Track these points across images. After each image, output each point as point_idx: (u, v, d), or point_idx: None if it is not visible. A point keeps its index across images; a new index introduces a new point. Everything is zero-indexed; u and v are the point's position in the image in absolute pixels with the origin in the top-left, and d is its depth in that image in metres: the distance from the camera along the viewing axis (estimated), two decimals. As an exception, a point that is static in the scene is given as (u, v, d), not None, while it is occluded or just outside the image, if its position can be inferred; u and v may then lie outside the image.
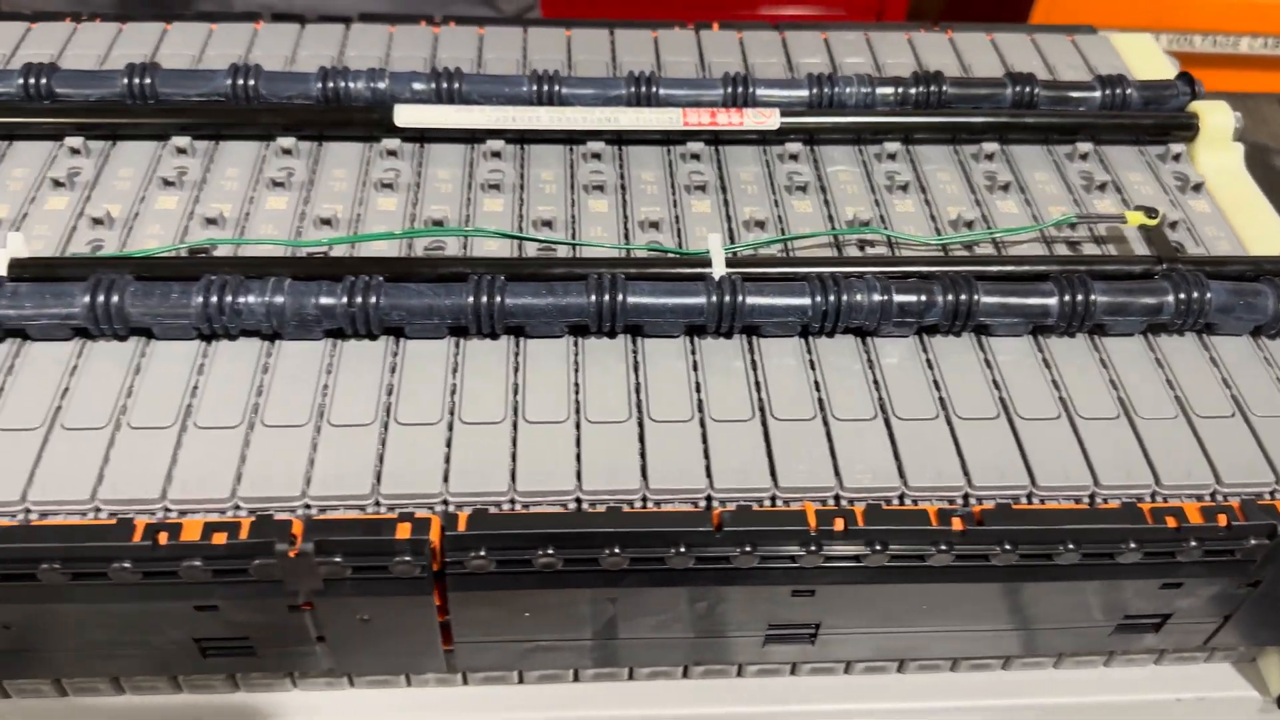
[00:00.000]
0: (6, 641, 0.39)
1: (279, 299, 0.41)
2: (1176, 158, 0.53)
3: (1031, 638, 0.44)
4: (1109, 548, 0.39)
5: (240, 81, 0.50)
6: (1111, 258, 0.47)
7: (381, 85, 0.51)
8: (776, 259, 0.46)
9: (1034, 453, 0.40)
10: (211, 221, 0.46)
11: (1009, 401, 0.42)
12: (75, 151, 0.49)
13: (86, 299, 0.40)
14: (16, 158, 0.49)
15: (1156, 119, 0.54)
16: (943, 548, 0.38)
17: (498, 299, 0.41)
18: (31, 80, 0.50)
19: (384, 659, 0.42)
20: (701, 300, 0.42)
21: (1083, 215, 0.48)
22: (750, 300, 0.42)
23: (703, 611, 0.40)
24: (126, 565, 0.36)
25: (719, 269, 0.43)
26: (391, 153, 0.50)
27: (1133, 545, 0.39)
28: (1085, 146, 0.53)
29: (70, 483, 0.37)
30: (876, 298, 0.42)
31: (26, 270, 0.42)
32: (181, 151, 0.49)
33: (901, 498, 0.39)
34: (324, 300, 0.41)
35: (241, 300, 0.40)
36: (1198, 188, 0.52)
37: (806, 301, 0.42)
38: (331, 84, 0.51)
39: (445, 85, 0.51)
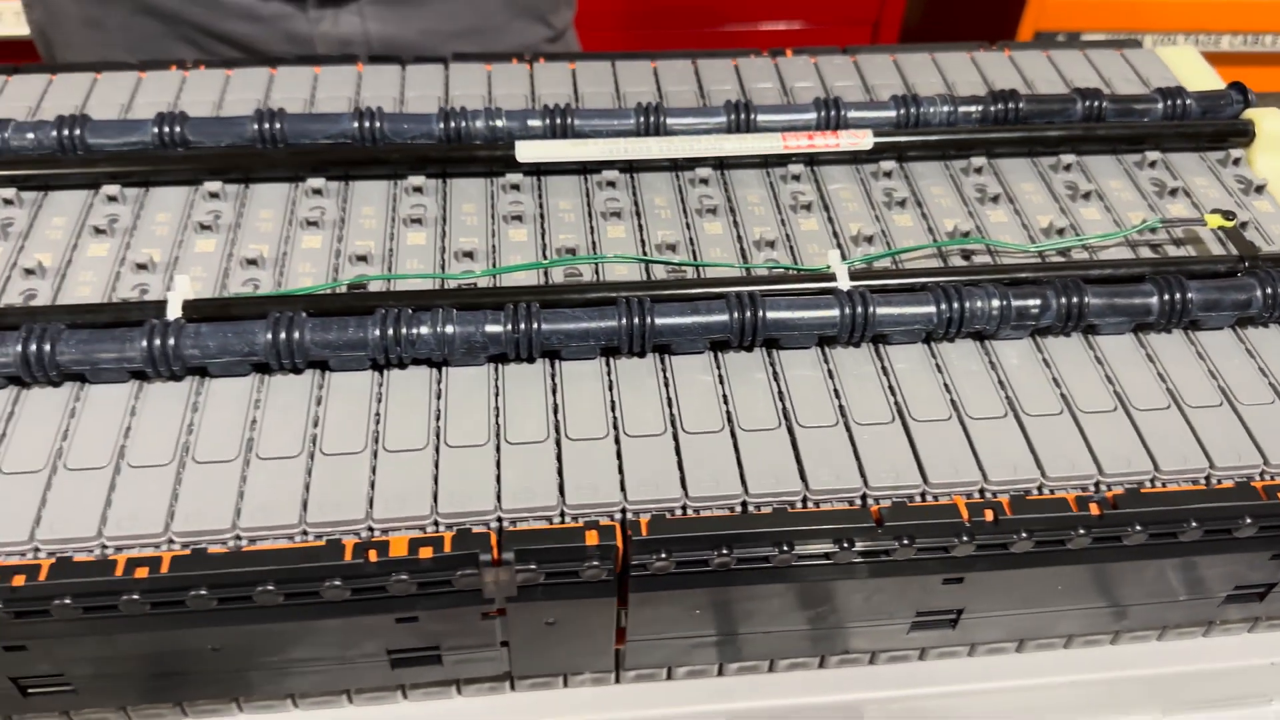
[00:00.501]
0: (204, 663, 0.42)
1: (449, 328, 0.43)
2: (1236, 162, 0.57)
3: (1145, 612, 0.47)
4: (1227, 524, 0.42)
5: (366, 124, 0.53)
6: (1197, 258, 0.50)
7: (499, 123, 0.54)
8: (892, 271, 0.49)
9: (1152, 440, 0.44)
10: (361, 259, 0.48)
11: (1123, 394, 0.45)
12: (214, 195, 0.51)
13: (269, 335, 0.43)
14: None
15: (1216, 127, 0.57)
16: (1081, 531, 0.41)
17: (648, 319, 0.44)
18: (167, 129, 0.52)
19: (559, 660, 0.45)
20: (834, 313, 0.45)
21: (1166, 220, 0.52)
22: (879, 310, 0.45)
23: (856, 603, 0.43)
24: (337, 583, 0.39)
25: (844, 282, 0.47)
26: (515, 186, 0.53)
27: (1248, 520, 0.42)
28: (1153, 155, 0.57)
29: (276, 508, 0.40)
30: (996, 303, 0.46)
31: (198, 310, 0.44)
32: (317, 193, 0.52)
33: (1040, 488, 0.42)
34: (490, 328, 0.44)
35: (415, 331, 0.43)
36: (1260, 189, 0.56)
37: (931, 309, 0.46)
38: (453, 124, 0.54)
39: (558, 121, 0.54)
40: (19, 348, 0.42)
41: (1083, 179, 0.56)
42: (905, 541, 0.41)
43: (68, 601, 0.37)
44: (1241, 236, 0.51)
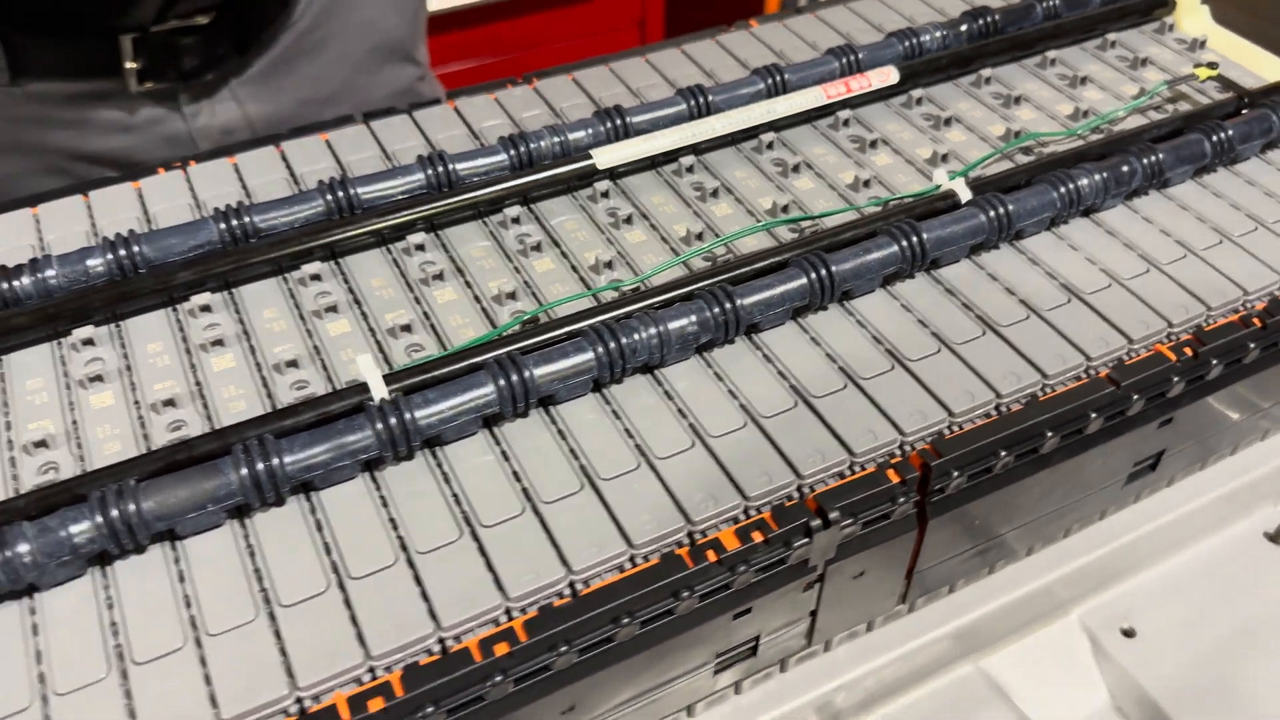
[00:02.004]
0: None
1: (659, 328, 0.42)
2: (1170, 28, 0.65)
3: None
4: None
5: (437, 169, 0.51)
6: (1207, 107, 0.57)
7: (564, 138, 0.53)
8: (1006, 172, 0.52)
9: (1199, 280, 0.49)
10: (511, 296, 0.46)
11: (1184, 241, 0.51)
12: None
13: (490, 387, 0.40)
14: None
15: (1145, 2, 0.65)
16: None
17: (832, 268, 0.45)
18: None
19: (855, 612, 0.45)
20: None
21: (1170, 80, 0.58)
22: (1011, 209, 0.49)
23: (1095, 468, 0.46)
24: (686, 594, 0.37)
25: (963, 193, 0.50)
26: (605, 194, 0.52)
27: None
28: (1112, 36, 0.63)
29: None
30: (1100, 177, 0.50)
31: (397, 381, 0.41)
32: (419, 248, 0.49)
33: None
34: (690, 319, 0.43)
35: (634, 337, 0.42)
36: (1201, 44, 0.63)
37: (1053, 196, 0.49)
38: (519, 149, 0.52)
39: (613, 123, 0.54)
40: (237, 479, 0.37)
41: (1068, 70, 0.61)
42: (1137, 396, 0.44)
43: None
44: (1230, 81, 0.58)
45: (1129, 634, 0.53)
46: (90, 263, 0.46)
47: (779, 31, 0.65)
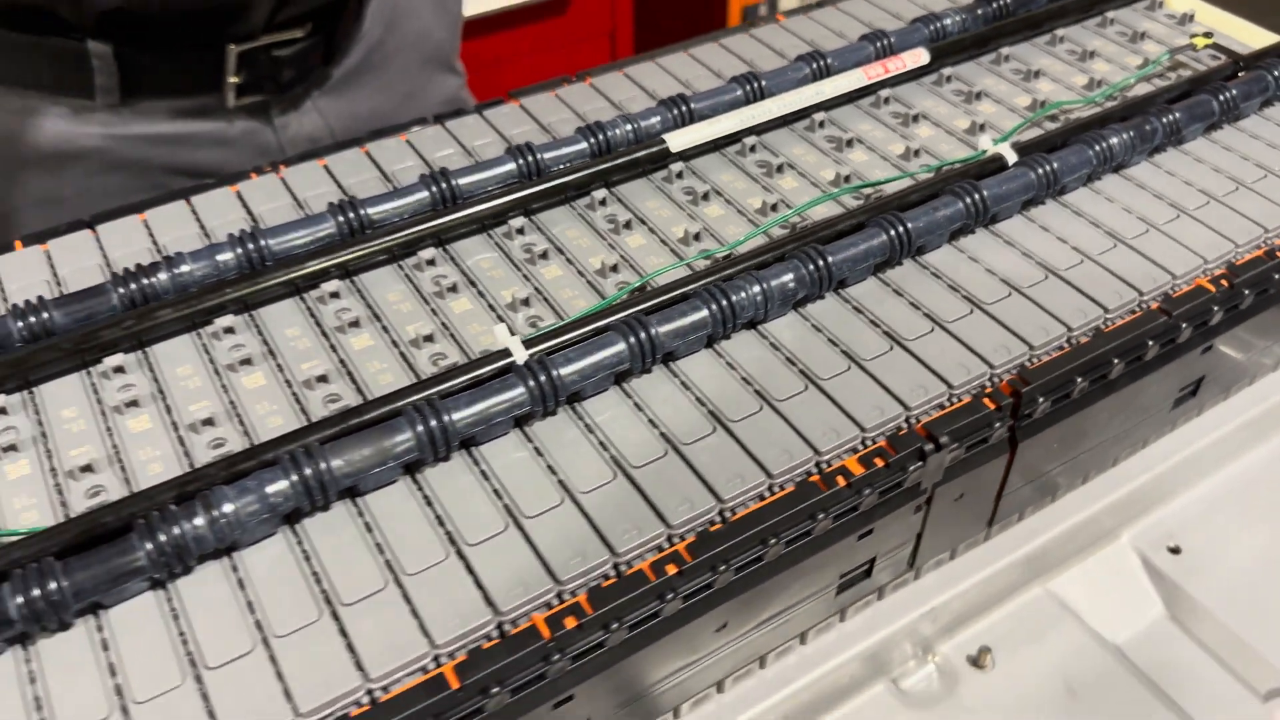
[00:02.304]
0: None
1: (762, 285, 0.47)
2: (1160, 4, 0.71)
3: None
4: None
5: (527, 159, 0.54)
6: (1206, 73, 0.63)
7: (637, 125, 0.57)
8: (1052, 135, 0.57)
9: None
10: (613, 269, 0.50)
11: (1175, 202, 0.57)
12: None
13: (622, 344, 0.44)
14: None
15: (1135, -19, 0.71)
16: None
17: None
18: (348, 214, 0.51)
19: (951, 536, 0.50)
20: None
21: (1172, 49, 0.64)
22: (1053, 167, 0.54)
23: (1155, 392, 0.51)
24: (821, 515, 0.41)
25: (1010, 156, 0.55)
26: (679, 175, 0.56)
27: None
28: (1110, 14, 0.69)
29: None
30: (1129, 135, 0.56)
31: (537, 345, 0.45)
32: (520, 231, 0.53)
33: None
34: (788, 277, 0.48)
35: (741, 295, 0.46)
36: (1190, 18, 0.70)
37: (1091, 155, 0.55)
38: (597, 137, 0.56)
39: (680, 110, 0.58)
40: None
41: (1076, 45, 0.67)
42: (1185, 325, 0.49)
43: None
44: (1225, 48, 0.64)
45: (1175, 551, 0.59)
46: (220, 257, 0.49)
47: (806, 23, 0.70)
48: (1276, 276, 0.52)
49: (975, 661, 0.54)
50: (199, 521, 0.37)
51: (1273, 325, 0.56)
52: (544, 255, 0.52)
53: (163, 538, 0.37)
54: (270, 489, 0.38)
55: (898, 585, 0.51)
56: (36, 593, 0.35)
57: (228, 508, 0.37)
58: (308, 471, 0.38)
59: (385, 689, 0.35)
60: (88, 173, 0.68)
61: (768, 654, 0.47)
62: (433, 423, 0.40)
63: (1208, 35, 0.64)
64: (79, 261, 0.51)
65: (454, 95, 0.82)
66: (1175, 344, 0.50)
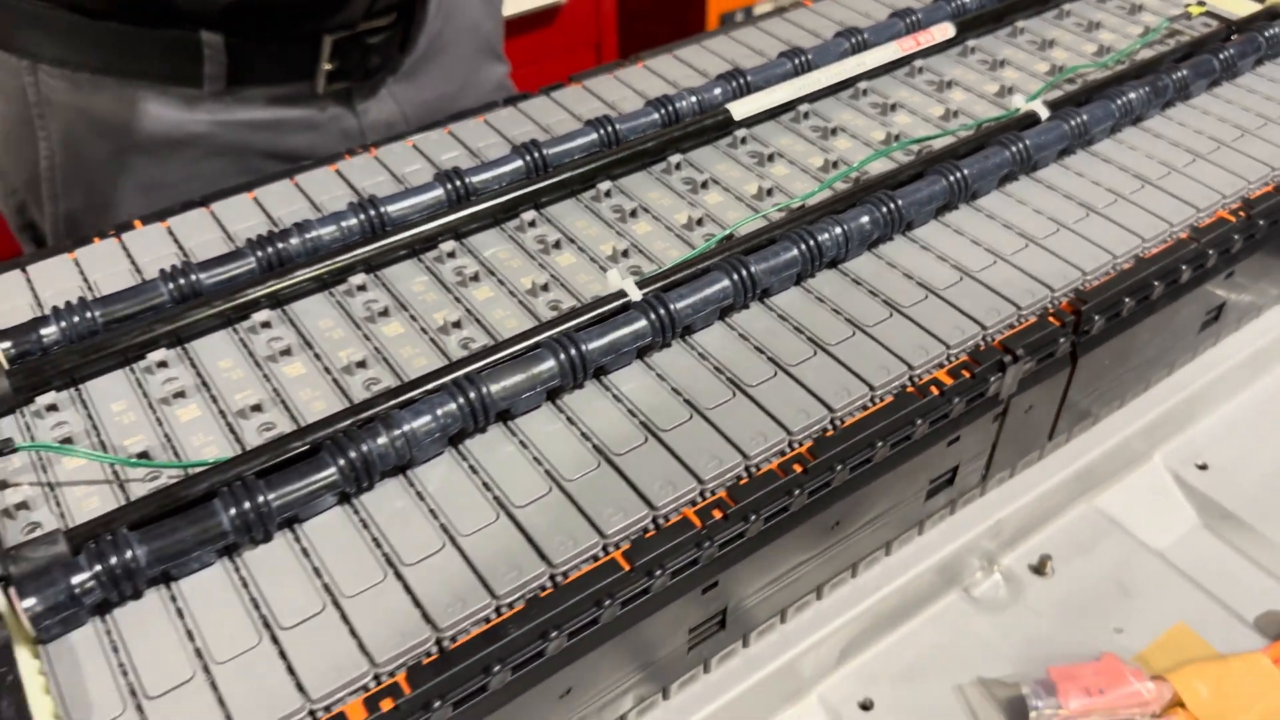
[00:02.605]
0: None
1: (843, 227, 0.52)
2: (1150, -20, 0.78)
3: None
4: None
5: (606, 129, 0.59)
6: (1202, 37, 0.69)
7: (701, 96, 0.62)
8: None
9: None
10: (699, 223, 0.55)
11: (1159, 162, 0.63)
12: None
13: (726, 280, 0.49)
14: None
15: (1127, -42, 0.78)
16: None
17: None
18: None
19: (1020, 448, 0.55)
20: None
21: (1172, 17, 0.71)
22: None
23: (1187, 315, 0.57)
24: (920, 420, 0.47)
25: (1042, 112, 0.61)
26: (743, 140, 0.62)
27: None
28: (1108, -12, 0.76)
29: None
30: (1145, 89, 0.62)
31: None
32: (608, 194, 0.58)
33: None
34: (865, 219, 0.53)
35: (825, 236, 0.51)
36: (1177, -9, 0.76)
37: (1134, 96, 0.61)
38: (668, 108, 0.61)
39: (738, 82, 0.63)
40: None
41: (1081, 19, 0.73)
42: (1211, 251, 0.55)
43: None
44: (1218, 15, 0.71)
45: (1203, 468, 0.65)
46: (345, 223, 0.53)
47: (782, 25, 0.74)
48: (1262, 223, 0.58)
49: (1037, 569, 0.59)
50: (381, 440, 0.41)
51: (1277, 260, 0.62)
52: (633, 214, 0.56)
53: (352, 454, 0.41)
54: (440, 410, 0.42)
55: (968, 500, 0.56)
56: (246, 505, 0.39)
57: (406, 428, 0.42)
58: (472, 395, 0.43)
59: (566, 574, 0.40)
60: (193, 158, 0.73)
61: (859, 563, 0.52)
62: (572, 351, 0.45)
63: (1201, 4, 0.71)
64: (200, 235, 0.55)
65: (502, 81, 0.88)
66: (1204, 269, 0.56)
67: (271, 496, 0.40)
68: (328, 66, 0.71)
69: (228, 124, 0.73)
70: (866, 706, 0.53)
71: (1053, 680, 0.51)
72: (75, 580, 0.37)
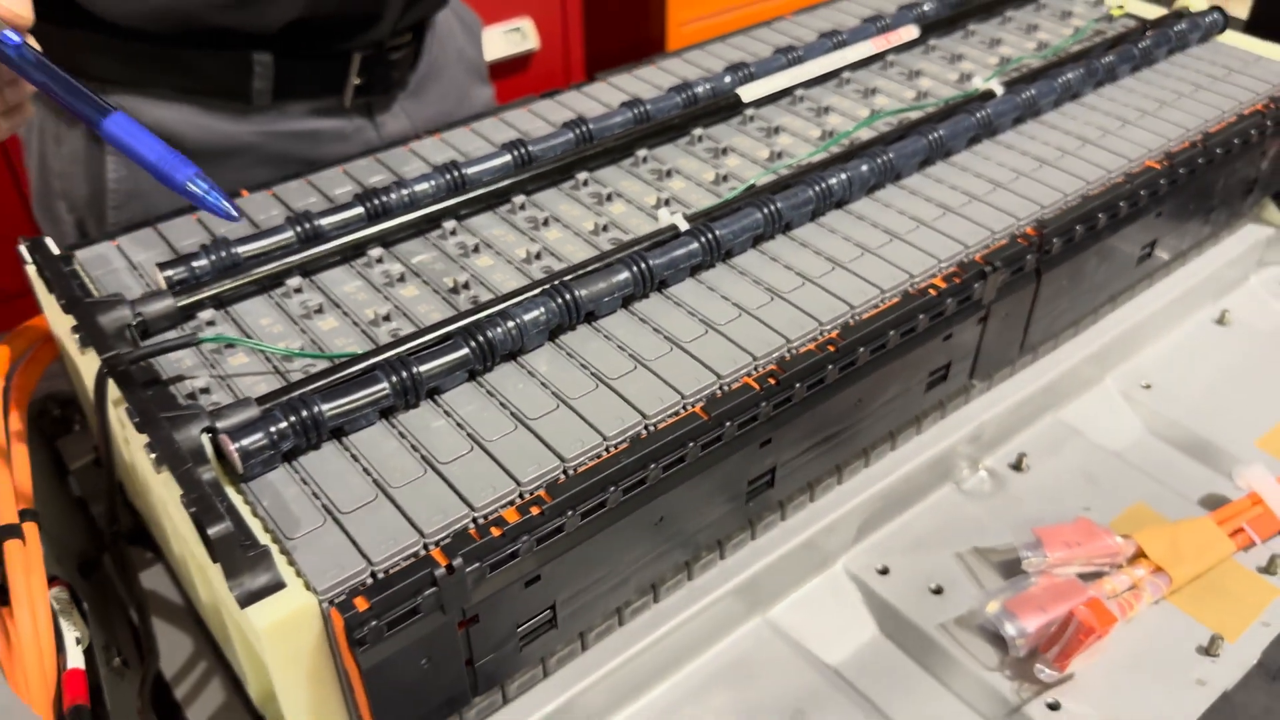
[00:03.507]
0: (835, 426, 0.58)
1: (855, 171, 0.64)
2: (1077, -7, 0.92)
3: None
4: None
5: (638, 110, 0.71)
6: (1128, 31, 0.83)
7: (718, 82, 0.74)
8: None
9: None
10: (724, 179, 0.66)
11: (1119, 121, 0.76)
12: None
13: (759, 214, 0.60)
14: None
15: (1057, -23, 0.92)
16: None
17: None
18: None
19: (997, 357, 0.66)
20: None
21: (1098, 18, 0.84)
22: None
23: (1128, 246, 0.69)
24: (922, 316, 0.58)
25: (999, 90, 0.73)
26: (750, 119, 0.73)
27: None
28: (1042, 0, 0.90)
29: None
30: (1081, 73, 0.75)
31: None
32: (643, 161, 0.69)
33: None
34: (865, 167, 0.64)
35: (834, 180, 0.63)
36: (1099, 1, 0.90)
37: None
38: (685, 93, 0.73)
39: (744, 72, 0.75)
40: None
41: (1022, 22, 0.87)
42: (1144, 191, 0.68)
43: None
44: (1135, 15, 0.85)
45: (1147, 387, 0.76)
46: (428, 184, 0.63)
47: (724, 48, 0.88)
48: (1200, 160, 0.71)
49: (1016, 466, 0.70)
50: (498, 330, 0.51)
51: (1198, 205, 0.75)
52: (668, 174, 0.67)
53: (480, 338, 0.51)
54: (543, 308, 0.53)
55: (956, 407, 0.67)
56: (403, 374, 0.49)
57: (520, 319, 0.52)
58: (567, 297, 0.53)
59: (656, 425, 0.50)
60: (242, 167, 0.82)
61: (870, 451, 0.63)
62: (642, 265, 0.56)
63: (1120, 7, 0.85)
64: (274, 208, 0.65)
65: (489, 100, 1.00)
66: (1137, 206, 0.68)
67: (419, 370, 0.49)
68: (356, 81, 0.81)
69: (272, 134, 0.82)
70: (884, 572, 0.63)
71: (1038, 537, 0.62)
72: (273, 429, 0.46)
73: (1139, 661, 0.58)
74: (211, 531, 0.40)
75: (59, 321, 0.57)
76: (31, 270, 0.60)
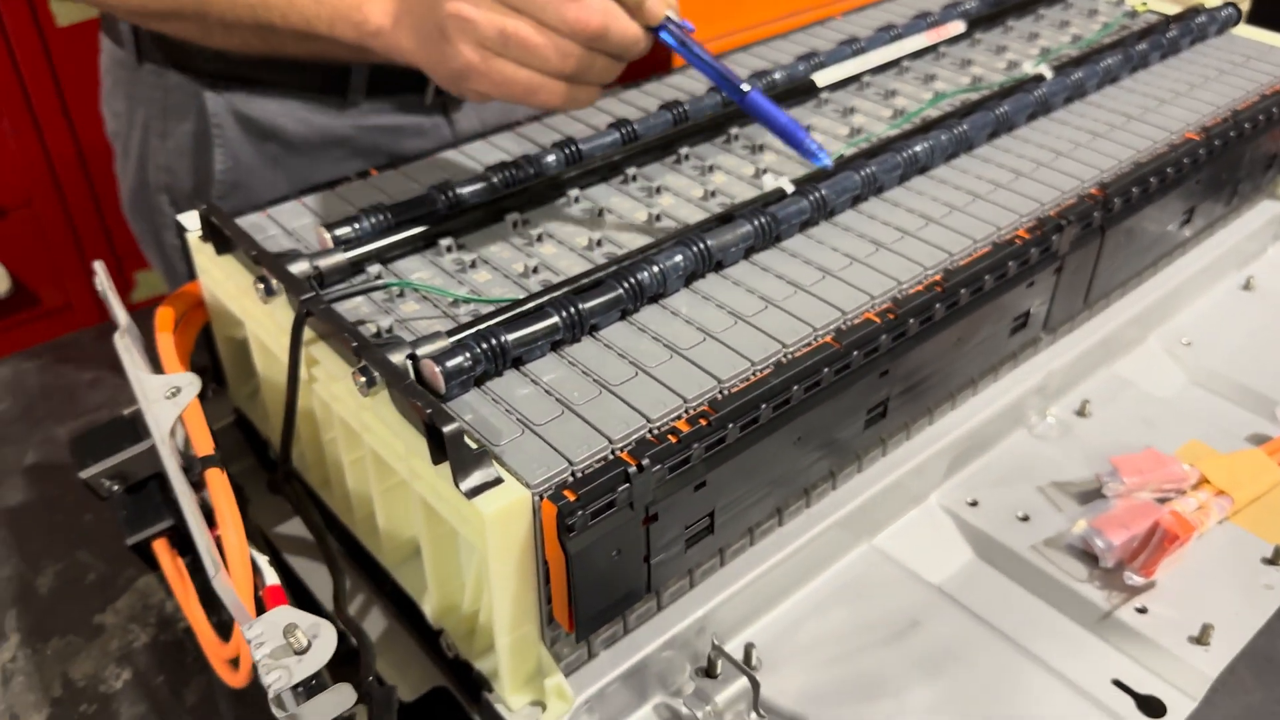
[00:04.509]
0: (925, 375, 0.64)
1: (935, 139, 0.70)
2: (1099, -6, 1.00)
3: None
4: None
5: (677, 110, 0.77)
6: (1153, 25, 0.91)
7: (790, 71, 0.81)
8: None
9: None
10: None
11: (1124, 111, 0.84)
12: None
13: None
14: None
15: (1080, -21, 1.00)
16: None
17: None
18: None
19: (1068, 306, 0.73)
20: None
21: (1125, 13, 0.92)
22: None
23: (1157, 222, 0.77)
24: (1012, 263, 0.64)
25: (1049, 74, 0.81)
26: (826, 101, 0.80)
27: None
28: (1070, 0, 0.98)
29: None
30: (1118, 59, 0.82)
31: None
32: (736, 137, 0.75)
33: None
34: (929, 144, 0.71)
35: (915, 149, 0.70)
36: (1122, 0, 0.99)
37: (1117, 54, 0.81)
38: (764, 80, 0.80)
39: (811, 62, 0.82)
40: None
41: (1055, 19, 0.95)
42: (1154, 179, 0.75)
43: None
44: (1159, 11, 0.93)
45: (1187, 345, 0.83)
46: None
47: (869, 12, 0.95)
48: (1231, 134, 0.79)
49: (1080, 413, 0.77)
50: (643, 274, 0.57)
51: (1228, 176, 0.83)
52: (760, 148, 0.74)
53: (630, 281, 0.57)
54: (680, 256, 0.59)
55: (1026, 357, 0.74)
56: (571, 310, 0.55)
57: (663, 264, 0.58)
58: (699, 246, 0.59)
59: (794, 353, 0.56)
60: (336, 159, 0.88)
61: (956, 394, 0.69)
62: (764, 219, 0.62)
63: (1144, 3, 0.93)
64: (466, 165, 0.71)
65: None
66: (1181, 174, 0.75)
67: (583, 306, 0.55)
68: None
69: (363, 128, 0.89)
70: (974, 504, 0.69)
71: (1114, 466, 0.68)
72: (467, 355, 0.51)
73: (1213, 570, 0.65)
74: (446, 430, 0.45)
75: (226, 281, 0.62)
76: (192, 238, 0.65)
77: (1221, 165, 0.80)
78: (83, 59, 1.43)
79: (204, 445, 0.56)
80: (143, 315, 0.64)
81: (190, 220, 0.66)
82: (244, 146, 0.88)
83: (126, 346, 0.57)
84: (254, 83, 0.85)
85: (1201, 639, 0.60)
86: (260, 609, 0.53)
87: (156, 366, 0.61)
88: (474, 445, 0.48)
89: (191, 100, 0.86)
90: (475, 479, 0.46)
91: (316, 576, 0.64)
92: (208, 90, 0.86)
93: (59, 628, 0.64)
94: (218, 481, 0.54)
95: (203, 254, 0.65)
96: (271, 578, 0.54)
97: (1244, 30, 0.94)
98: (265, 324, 0.59)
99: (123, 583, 0.67)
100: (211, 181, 0.89)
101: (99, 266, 0.62)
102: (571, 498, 0.47)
